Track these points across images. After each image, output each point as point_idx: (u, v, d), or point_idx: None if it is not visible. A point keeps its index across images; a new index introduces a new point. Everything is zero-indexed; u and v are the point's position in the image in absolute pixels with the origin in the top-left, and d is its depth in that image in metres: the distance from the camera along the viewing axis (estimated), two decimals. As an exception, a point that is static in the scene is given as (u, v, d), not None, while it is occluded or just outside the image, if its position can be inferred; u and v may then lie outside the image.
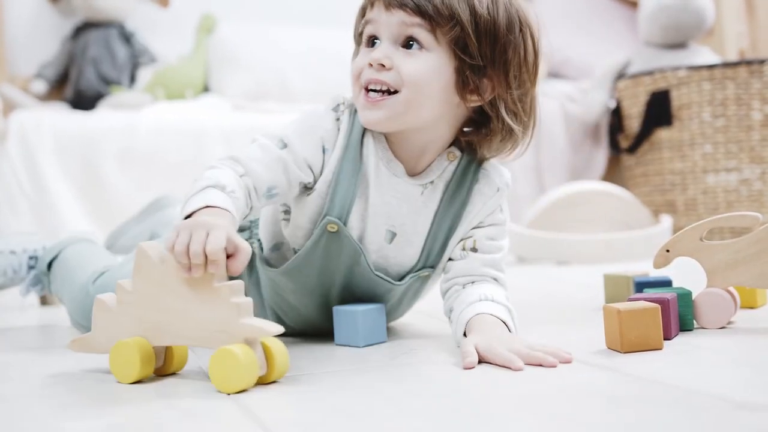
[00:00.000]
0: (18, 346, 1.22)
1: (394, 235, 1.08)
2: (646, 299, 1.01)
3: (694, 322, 1.08)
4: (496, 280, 1.10)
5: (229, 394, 0.83)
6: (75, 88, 2.76)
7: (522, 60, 1.03)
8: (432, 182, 1.08)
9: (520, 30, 1.02)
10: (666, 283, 1.20)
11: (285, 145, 1.03)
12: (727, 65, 2.48)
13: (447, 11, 0.99)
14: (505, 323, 1.00)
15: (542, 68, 1.07)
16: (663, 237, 2.24)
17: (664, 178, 2.56)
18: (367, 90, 1.02)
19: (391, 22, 1.01)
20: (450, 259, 1.12)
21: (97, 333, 0.95)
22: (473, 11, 0.99)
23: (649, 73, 2.59)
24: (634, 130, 2.64)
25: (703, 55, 2.76)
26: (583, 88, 2.91)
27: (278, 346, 0.88)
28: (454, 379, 0.87)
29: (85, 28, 2.84)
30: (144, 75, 2.84)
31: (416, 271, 1.11)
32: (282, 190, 1.03)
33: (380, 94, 1.01)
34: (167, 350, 0.94)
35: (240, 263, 0.86)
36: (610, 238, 2.21)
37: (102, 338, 0.94)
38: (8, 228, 2.18)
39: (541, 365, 0.89)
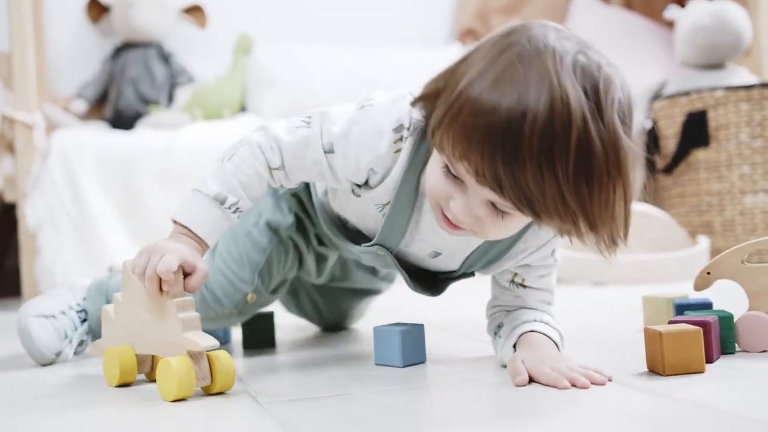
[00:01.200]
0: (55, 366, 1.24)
1: (438, 254, 1.08)
2: (687, 322, 1.01)
3: (736, 345, 1.07)
4: (545, 312, 1.10)
5: (171, 402, 0.92)
6: (114, 107, 2.80)
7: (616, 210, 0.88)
8: None
9: (618, 185, 0.86)
10: (706, 306, 1.20)
11: (332, 151, 1.01)
12: (764, 86, 2.46)
13: (546, 212, 0.84)
14: (556, 345, 1.01)
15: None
16: (700, 258, 2.22)
17: (701, 199, 2.54)
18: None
19: (481, 192, 0.87)
20: (494, 278, 1.12)
21: (104, 340, 1.08)
22: (582, 206, 0.84)
23: (686, 93, 2.58)
24: (671, 151, 2.62)
25: (740, 75, 2.75)
26: (618, 109, 2.90)
27: (223, 361, 0.95)
28: (495, 400, 0.87)
29: (124, 48, 2.89)
30: (182, 95, 2.88)
31: (456, 278, 1.13)
32: (316, 180, 1.07)
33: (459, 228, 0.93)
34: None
35: (196, 281, 0.98)
36: (648, 259, 2.20)
37: (108, 344, 1.07)
38: (49, 246, 2.21)
39: (574, 385, 0.90)
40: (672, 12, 2.79)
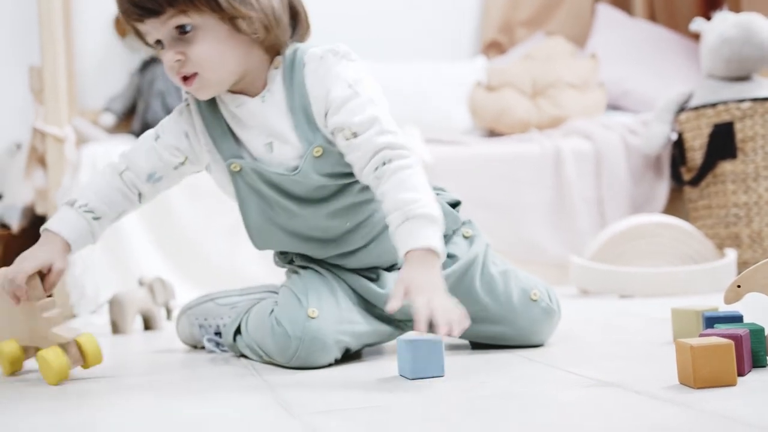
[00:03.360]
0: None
1: (271, 144, 1.22)
2: (718, 335, 1.01)
3: (767, 358, 1.07)
4: (396, 159, 1.13)
5: (54, 385, 1.15)
6: (142, 120, 2.84)
7: None
8: (269, 90, 1.22)
9: None
10: (737, 319, 1.19)
11: (158, 137, 1.29)
12: (792, 97, 2.45)
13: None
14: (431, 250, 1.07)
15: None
16: (728, 271, 2.21)
17: (728, 211, 2.53)
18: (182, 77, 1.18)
19: (152, 32, 1.16)
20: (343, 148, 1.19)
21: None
22: None
23: (712, 105, 2.57)
24: (697, 163, 2.61)
25: (766, 87, 2.73)
26: (644, 121, 2.89)
27: (89, 344, 1.18)
28: (524, 415, 0.87)
29: (151, 62, 2.92)
30: (209, 108, 2.90)
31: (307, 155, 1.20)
32: (163, 173, 1.29)
33: (189, 79, 1.17)
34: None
35: (51, 280, 1.20)
36: (674, 272, 2.19)
37: None
38: (79, 258, 2.24)
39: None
40: (698, 24, 2.78)
